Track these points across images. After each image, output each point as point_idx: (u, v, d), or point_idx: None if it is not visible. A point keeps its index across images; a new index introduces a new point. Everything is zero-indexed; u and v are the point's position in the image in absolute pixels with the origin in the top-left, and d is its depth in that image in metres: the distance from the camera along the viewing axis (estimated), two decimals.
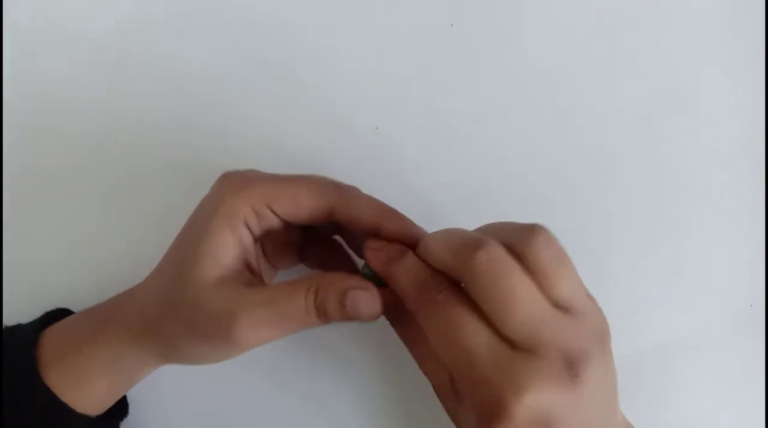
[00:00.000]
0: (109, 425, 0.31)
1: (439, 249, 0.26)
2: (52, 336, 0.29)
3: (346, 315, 0.26)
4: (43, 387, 0.27)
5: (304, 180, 0.27)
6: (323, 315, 0.26)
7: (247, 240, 0.27)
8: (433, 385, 0.28)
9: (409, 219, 0.28)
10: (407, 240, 0.27)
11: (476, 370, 0.24)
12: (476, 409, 0.24)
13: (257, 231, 0.27)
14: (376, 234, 0.28)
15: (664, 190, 0.37)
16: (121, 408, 0.32)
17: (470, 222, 0.36)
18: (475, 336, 0.24)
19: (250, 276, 0.28)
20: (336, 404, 0.35)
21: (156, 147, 0.36)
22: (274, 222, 0.27)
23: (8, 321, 0.33)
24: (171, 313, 0.27)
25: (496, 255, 0.24)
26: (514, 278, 0.24)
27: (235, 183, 0.27)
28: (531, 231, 0.25)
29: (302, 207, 0.27)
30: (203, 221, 0.27)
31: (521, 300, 0.24)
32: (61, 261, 0.36)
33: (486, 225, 0.28)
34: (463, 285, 0.25)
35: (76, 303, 0.33)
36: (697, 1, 0.38)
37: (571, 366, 0.23)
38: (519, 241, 0.25)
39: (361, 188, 0.36)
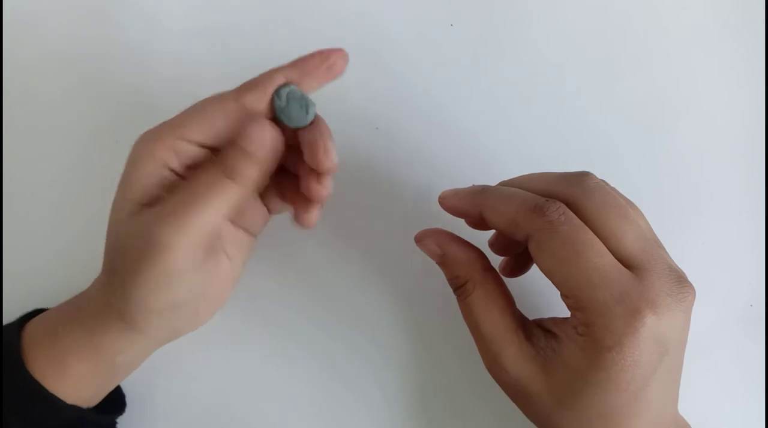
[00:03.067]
0: (102, 419, 0.30)
1: (539, 181, 0.28)
2: (32, 326, 0.29)
3: (253, 152, 0.26)
4: (29, 377, 0.27)
5: (208, 99, 0.27)
6: (233, 173, 0.25)
7: (163, 174, 0.26)
8: (494, 353, 0.28)
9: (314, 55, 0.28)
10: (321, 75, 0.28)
11: (604, 291, 0.25)
12: (598, 333, 0.25)
13: (174, 162, 0.26)
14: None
15: (663, 190, 0.37)
16: (117, 403, 0.32)
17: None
18: (602, 256, 0.25)
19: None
20: (339, 403, 0.35)
21: None
22: (195, 150, 0.27)
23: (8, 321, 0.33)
24: (112, 264, 0.27)
25: (600, 181, 0.27)
26: (621, 198, 0.27)
27: (145, 133, 0.27)
28: (581, 178, 0.27)
29: (213, 127, 0.26)
30: (125, 170, 0.27)
31: (632, 218, 0.26)
32: (61, 262, 0.36)
33: (524, 176, 0.30)
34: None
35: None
36: (697, 1, 0.38)
37: (681, 282, 0.26)
38: (574, 195, 0.27)
39: (361, 188, 0.36)
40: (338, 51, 0.27)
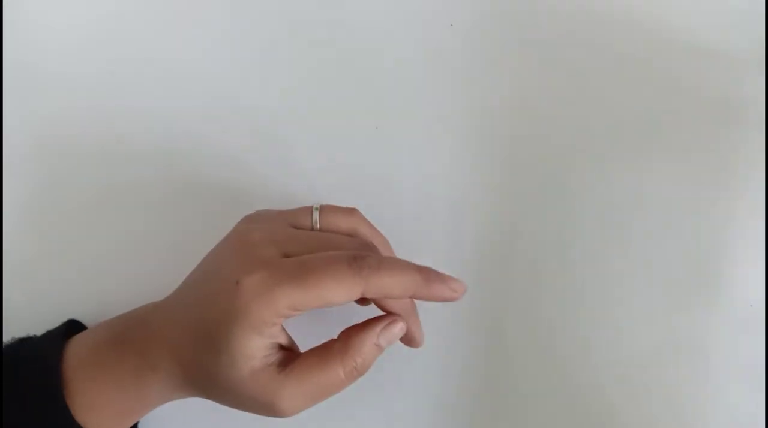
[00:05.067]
0: None
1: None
2: (79, 364, 0.29)
3: (381, 350, 0.29)
4: (69, 414, 0.28)
5: (330, 277, 0.26)
6: (365, 369, 0.28)
7: (276, 332, 0.27)
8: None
9: (439, 276, 0.28)
10: (442, 300, 0.28)
11: None
12: None
13: (282, 321, 0.27)
14: None
15: (663, 190, 0.37)
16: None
17: (471, 221, 0.37)
18: None
19: (282, 352, 0.28)
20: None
21: (157, 150, 0.36)
22: (301, 313, 0.27)
23: (8, 323, 0.33)
24: (214, 386, 0.28)
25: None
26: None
27: (258, 290, 0.26)
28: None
29: (329, 303, 0.26)
30: (227, 318, 0.26)
31: None
32: (61, 264, 0.36)
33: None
34: None
35: (77, 305, 0.33)
36: (697, 1, 0.38)
37: None
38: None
39: (361, 188, 0.36)
40: (460, 285, 0.28)
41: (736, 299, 0.37)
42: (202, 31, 0.37)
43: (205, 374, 0.27)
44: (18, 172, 0.36)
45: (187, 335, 0.27)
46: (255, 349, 0.26)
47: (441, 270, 0.28)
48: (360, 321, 0.29)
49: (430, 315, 0.35)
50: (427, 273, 0.28)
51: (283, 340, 0.28)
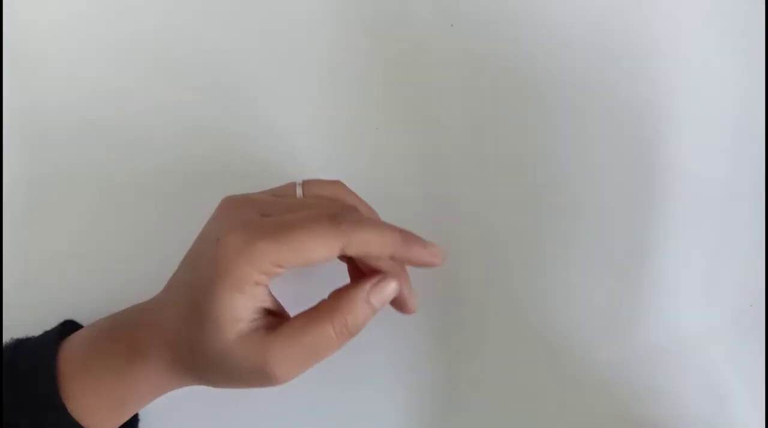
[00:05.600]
0: None
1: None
2: (74, 359, 0.29)
3: (375, 311, 0.28)
4: (67, 416, 0.27)
5: (309, 231, 0.26)
6: (357, 329, 0.27)
7: (261, 293, 0.27)
8: None
9: (420, 239, 0.28)
10: (421, 263, 0.28)
11: None
12: None
13: (268, 281, 0.27)
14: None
15: (663, 189, 0.37)
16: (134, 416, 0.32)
17: (471, 221, 0.37)
18: None
19: (270, 317, 0.28)
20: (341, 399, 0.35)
21: (158, 147, 0.36)
22: (283, 270, 0.27)
23: (8, 323, 0.33)
24: (202, 361, 0.27)
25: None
26: None
27: (237, 246, 0.26)
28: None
29: (310, 259, 0.26)
30: (209, 281, 0.26)
31: None
32: (61, 263, 0.36)
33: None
34: None
35: (77, 305, 0.33)
36: (697, 1, 0.38)
37: None
38: None
39: (360, 188, 0.36)
40: (440, 251, 0.28)
41: (736, 299, 0.37)
42: (202, 31, 0.37)
43: (195, 348, 0.27)
44: (18, 172, 0.36)
45: (176, 313, 0.27)
46: (240, 311, 0.26)
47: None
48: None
49: (427, 317, 0.35)
50: (407, 234, 0.28)
51: (271, 305, 0.28)
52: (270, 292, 0.27)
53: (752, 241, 0.37)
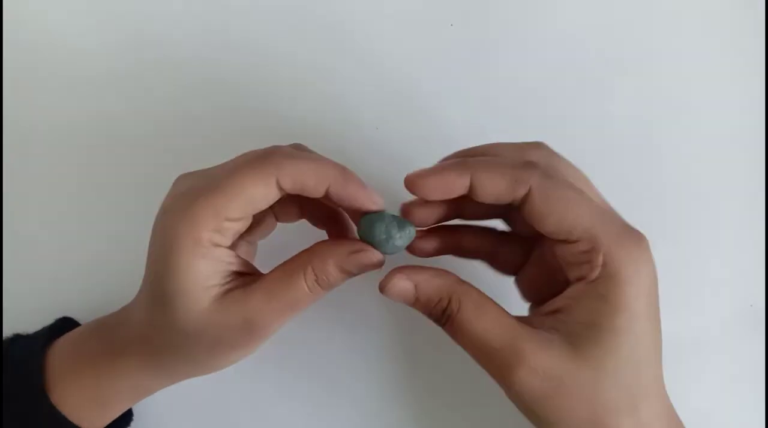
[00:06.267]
0: None
1: (504, 149, 0.29)
2: (61, 355, 0.29)
3: (350, 275, 0.27)
4: (51, 407, 0.28)
5: (240, 173, 0.25)
6: (328, 287, 0.27)
7: (224, 255, 0.26)
8: (512, 357, 0.25)
9: (359, 181, 0.27)
10: (357, 205, 0.27)
11: (613, 223, 0.25)
12: (617, 265, 0.24)
13: (228, 240, 0.26)
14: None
15: (664, 189, 0.37)
16: (125, 415, 0.32)
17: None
18: (595, 198, 0.27)
19: (244, 278, 0.27)
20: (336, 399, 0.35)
21: (156, 146, 0.36)
22: (239, 225, 0.26)
23: (8, 322, 0.33)
24: (182, 341, 0.27)
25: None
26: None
27: (179, 212, 0.25)
28: (540, 145, 0.28)
29: (252, 202, 0.25)
30: (166, 256, 0.25)
31: (588, 178, 0.28)
32: (61, 262, 0.36)
33: (485, 145, 0.29)
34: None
35: (78, 304, 0.33)
36: (697, 1, 0.38)
37: (638, 233, 0.27)
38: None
39: None
40: (380, 199, 0.28)
41: (736, 299, 0.37)
42: (204, 30, 0.37)
43: (171, 330, 0.26)
44: (18, 171, 0.36)
45: (146, 301, 0.27)
46: (206, 276, 0.25)
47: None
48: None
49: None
50: (345, 170, 0.27)
51: (241, 267, 0.27)
52: (237, 255, 0.27)
53: (752, 241, 0.37)
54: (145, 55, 0.37)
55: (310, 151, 0.30)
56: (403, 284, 0.27)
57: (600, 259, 0.25)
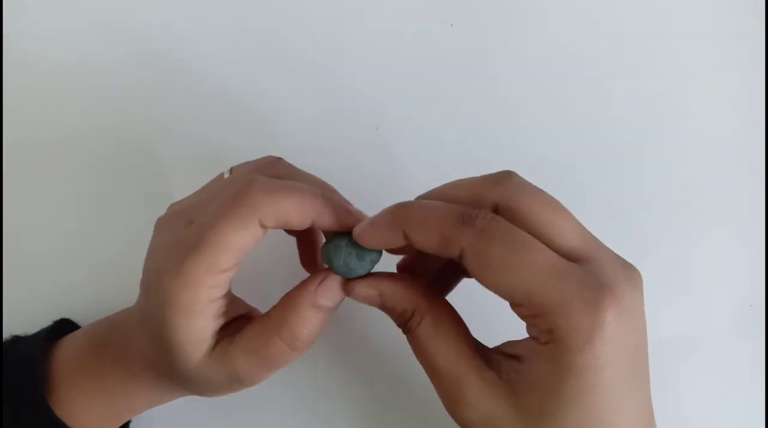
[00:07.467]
0: None
1: (460, 189, 0.26)
2: (64, 366, 0.29)
3: (328, 311, 0.26)
4: (51, 412, 0.28)
5: (222, 225, 0.24)
6: (307, 344, 0.26)
7: (220, 306, 0.26)
8: (454, 387, 0.25)
9: (342, 201, 0.27)
10: (346, 227, 0.26)
11: (559, 288, 0.22)
12: (564, 336, 0.22)
13: (225, 288, 0.26)
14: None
15: (664, 189, 0.37)
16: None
17: None
18: (546, 254, 0.23)
19: (234, 323, 0.27)
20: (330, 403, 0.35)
21: (156, 147, 0.36)
22: (232, 271, 0.25)
23: (8, 321, 0.33)
24: (182, 379, 0.27)
25: (525, 180, 0.26)
26: (549, 195, 0.25)
27: (170, 273, 0.24)
28: (505, 179, 0.25)
29: (238, 251, 0.25)
30: (163, 314, 0.25)
31: (566, 213, 0.25)
32: (61, 261, 0.36)
33: (445, 187, 0.27)
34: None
35: (78, 303, 0.33)
36: (698, 2, 0.38)
37: (627, 266, 0.24)
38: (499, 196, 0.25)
39: (360, 189, 0.36)
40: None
41: (736, 299, 0.37)
42: (203, 31, 0.37)
43: (171, 369, 0.26)
44: (18, 172, 0.36)
45: (148, 339, 0.27)
46: (200, 333, 0.25)
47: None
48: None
49: None
50: (328, 200, 0.26)
51: (232, 313, 0.27)
52: (228, 301, 0.26)
53: (752, 241, 0.37)
54: (146, 66, 0.37)
55: (289, 169, 0.29)
56: (367, 292, 0.26)
57: (546, 326, 0.22)
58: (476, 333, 0.26)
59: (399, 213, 0.25)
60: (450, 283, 0.30)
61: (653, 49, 0.38)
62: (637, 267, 0.25)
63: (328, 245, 0.26)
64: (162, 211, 0.36)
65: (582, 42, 0.38)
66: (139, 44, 0.37)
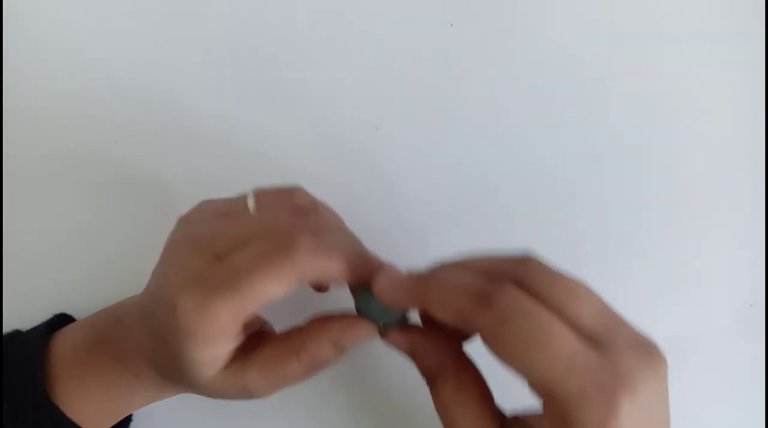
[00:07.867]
0: None
1: (480, 265, 0.26)
2: (63, 361, 0.29)
3: (344, 351, 0.27)
4: (52, 405, 0.28)
5: (261, 275, 0.24)
6: (320, 366, 0.27)
7: (235, 334, 0.26)
8: None
9: (378, 262, 0.27)
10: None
11: (576, 379, 0.22)
12: (577, 426, 0.22)
13: (241, 326, 0.26)
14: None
15: (664, 189, 0.37)
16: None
17: (470, 221, 0.36)
18: (566, 341, 0.22)
19: (248, 344, 0.27)
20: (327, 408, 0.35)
21: (156, 148, 0.36)
22: (249, 315, 0.26)
23: (8, 320, 0.33)
24: (188, 384, 0.27)
25: (544, 262, 0.24)
26: (568, 276, 0.24)
27: (194, 309, 0.24)
28: (525, 264, 0.24)
29: (268, 300, 0.25)
30: (176, 341, 0.25)
31: (585, 294, 0.24)
32: (61, 260, 0.36)
33: (466, 261, 0.26)
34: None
35: (78, 303, 0.33)
36: (698, 2, 0.38)
37: (650, 352, 0.24)
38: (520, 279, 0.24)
39: (360, 189, 0.36)
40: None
41: (736, 299, 0.37)
42: (197, 31, 0.37)
43: (179, 377, 0.27)
44: (18, 171, 0.36)
45: (154, 344, 0.27)
46: (215, 357, 0.26)
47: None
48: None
49: None
50: (364, 257, 0.27)
51: (251, 329, 0.28)
52: (247, 324, 0.26)
53: (752, 241, 0.37)
54: (152, 49, 0.37)
55: (309, 199, 0.29)
56: (398, 341, 0.27)
57: (559, 412, 0.22)
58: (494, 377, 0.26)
59: (419, 287, 0.25)
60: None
61: (653, 49, 0.38)
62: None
63: (361, 294, 0.27)
64: (162, 210, 0.36)
65: (582, 42, 0.38)
66: (140, 45, 0.37)
